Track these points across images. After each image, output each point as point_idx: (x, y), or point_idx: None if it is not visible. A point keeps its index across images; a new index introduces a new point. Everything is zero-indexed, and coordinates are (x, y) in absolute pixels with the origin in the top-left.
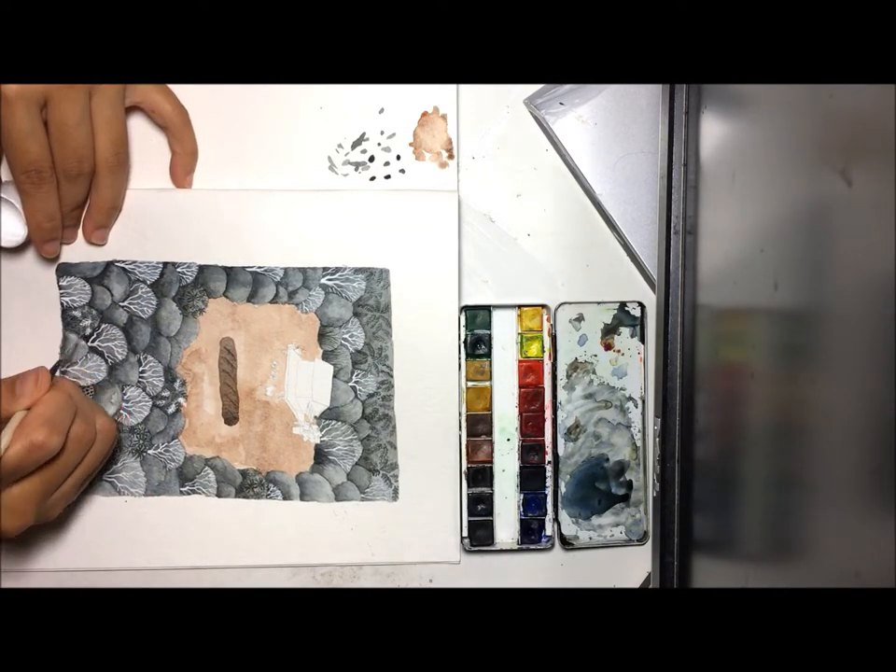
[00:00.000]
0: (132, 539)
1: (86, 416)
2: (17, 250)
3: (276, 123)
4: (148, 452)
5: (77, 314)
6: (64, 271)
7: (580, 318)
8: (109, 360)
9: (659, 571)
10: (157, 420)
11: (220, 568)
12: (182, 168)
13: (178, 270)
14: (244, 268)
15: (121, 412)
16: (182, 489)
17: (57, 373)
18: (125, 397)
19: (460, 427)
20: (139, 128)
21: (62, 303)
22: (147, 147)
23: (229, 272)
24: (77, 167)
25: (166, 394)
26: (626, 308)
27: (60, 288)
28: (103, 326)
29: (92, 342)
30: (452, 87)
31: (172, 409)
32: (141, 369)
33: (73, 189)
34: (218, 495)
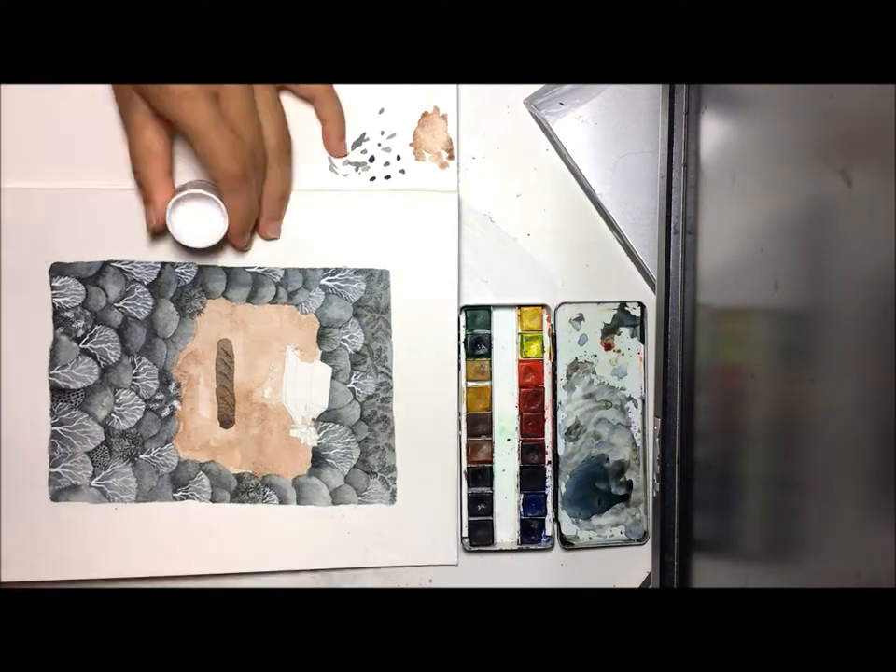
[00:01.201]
0: (122, 548)
1: None
2: (12, 249)
3: None
4: (140, 457)
5: (69, 314)
6: (58, 271)
7: (580, 318)
8: (101, 363)
9: (659, 571)
10: (149, 424)
11: (215, 576)
12: (335, 135)
13: (177, 270)
14: (243, 268)
15: (112, 415)
16: (175, 495)
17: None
18: (117, 400)
19: (460, 427)
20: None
21: (54, 304)
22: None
23: (228, 272)
24: (253, 161)
25: (160, 397)
26: (626, 308)
27: (52, 289)
28: (96, 327)
29: (84, 343)
30: (452, 87)
31: (165, 412)
32: (135, 371)
33: (258, 183)
34: (213, 500)
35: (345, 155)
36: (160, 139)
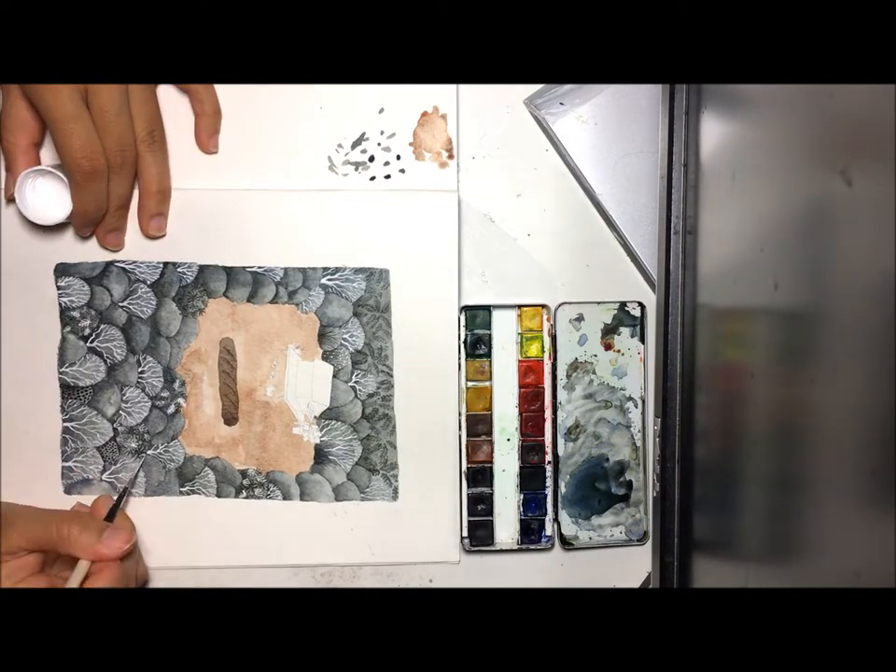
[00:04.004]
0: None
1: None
2: (17, 249)
3: (276, 123)
4: (148, 452)
5: (75, 314)
6: (63, 271)
7: (580, 318)
8: (108, 361)
9: (659, 571)
10: (156, 421)
11: (220, 568)
12: (205, 130)
13: (178, 270)
14: (244, 268)
15: (120, 412)
16: (182, 489)
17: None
18: (124, 397)
19: (460, 427)
20: None
21: (60, 304)
22: None
23: (229, 272)
24: (121, 156)
25: (165, 394)
26: (626, 308)
27: (58, 289)
28: (102, 326)
29: (91, 342)
30: (452, 87)
31: (171, 409)
32: (140, 369)
33: (119, 181)
34: (218, 495)
35: (215, 152)
36: (32, 115)
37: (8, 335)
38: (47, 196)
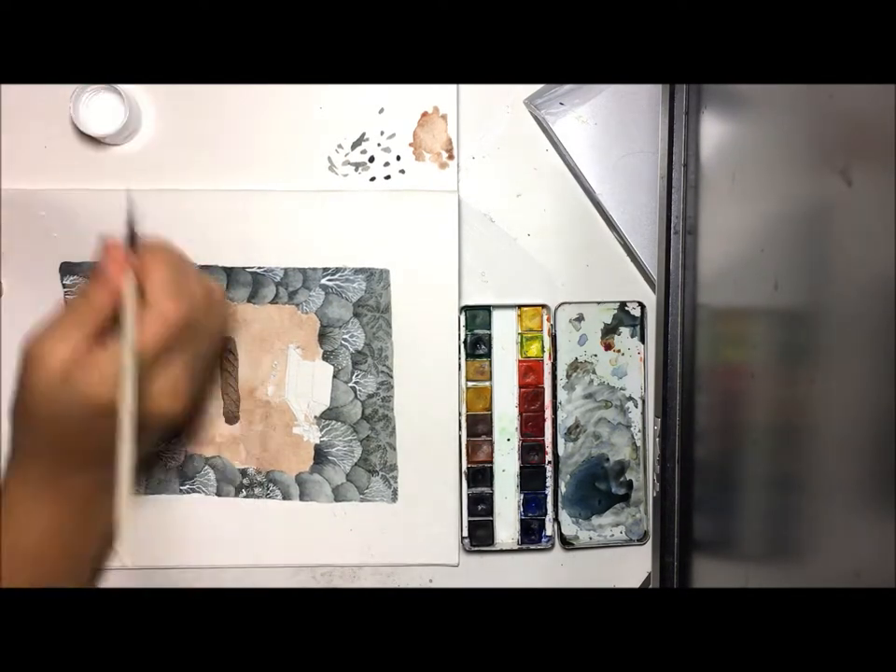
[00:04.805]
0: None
1: (196, 274)
2: (23, 248)
3: (276, 123)
4: (148, 450)
5: None
6: (67, 270)
7: (580, 318)
8: None
9: (659, 571)
10: None
11: (220, 568)
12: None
13: None
14: (244, 268)
15: None
16: (182, 488)
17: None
18: None
19: (460, 427)
20: (145, 127)
21: (66, 301)
22: (151, 146)
23: (229, 272)
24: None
25: None
26: (626, 308)
27: (64, 287)
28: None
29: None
30: (452, 87)
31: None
32: None
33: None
34: (218, 494)
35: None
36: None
37: (14, 331)
38: (98, 111)
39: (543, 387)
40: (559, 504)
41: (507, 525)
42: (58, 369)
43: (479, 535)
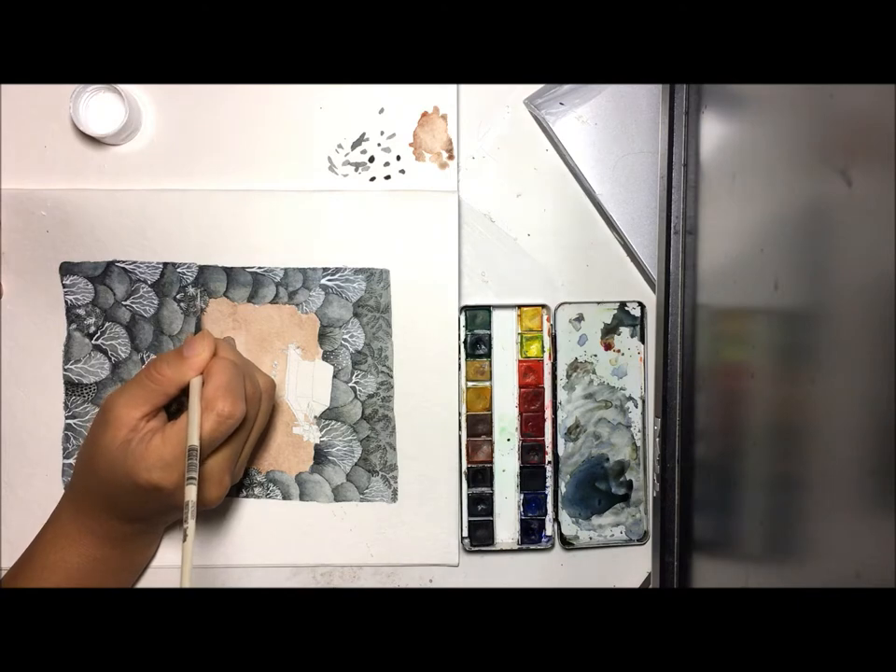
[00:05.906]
0: None
1: (251, 376)
2: (23, 247)
3: (276, 123)
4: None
5: (81, 311)
6: (67, 270)
7: (580, 318)
8: (113, 358)
9: (659, 571)
10: None
11: (220, 568)
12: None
13: (178, 270)
14: (244, 268)
15: None
16: None
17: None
18: None
19: (460, 427)
20: (144, 127)
21: (66, 301)
22: (151, 146)
23: (229, 272)
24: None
25: None
26: (626, 308)
27: (64, 287)
28: (106, 324)
29: (96, 340)
30: (452, 87)
31: (173, 407)
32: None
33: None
34: None
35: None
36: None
37: (14, 331)
38: (97, 111)
39: (543, 387)
40: (559, 504)
41: (507, 525)
42: (124, 435)
43: (479, 535)
